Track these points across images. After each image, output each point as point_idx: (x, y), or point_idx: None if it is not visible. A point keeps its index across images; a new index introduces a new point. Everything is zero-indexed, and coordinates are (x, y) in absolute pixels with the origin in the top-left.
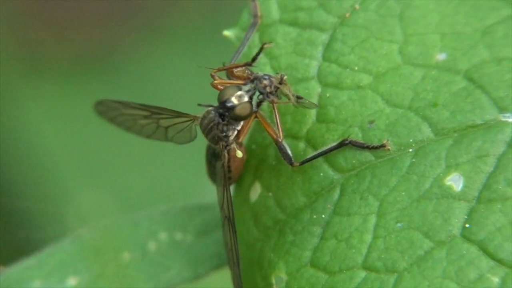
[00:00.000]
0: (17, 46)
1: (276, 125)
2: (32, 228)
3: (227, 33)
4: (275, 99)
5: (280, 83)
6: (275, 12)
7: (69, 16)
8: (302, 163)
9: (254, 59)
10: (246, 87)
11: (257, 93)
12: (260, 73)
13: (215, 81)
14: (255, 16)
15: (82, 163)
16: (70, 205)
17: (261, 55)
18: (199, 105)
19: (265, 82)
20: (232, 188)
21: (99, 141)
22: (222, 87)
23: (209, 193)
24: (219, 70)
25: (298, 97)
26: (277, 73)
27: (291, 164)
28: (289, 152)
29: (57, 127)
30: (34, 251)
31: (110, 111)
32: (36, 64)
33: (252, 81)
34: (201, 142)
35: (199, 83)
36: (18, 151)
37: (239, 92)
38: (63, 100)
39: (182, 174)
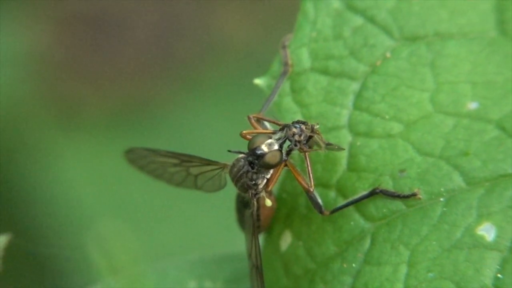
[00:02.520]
0: (54, 99)
1: (307, 175)
2: (60, 275)
3: (258, 81)
4: (305, 148)
5: (312, 132)
6: (306, 61)
7: (105, 70)
8: (333, 212)
9: None
10: (277, 135)
11: (287, 142)
12: (291, 122)
13: (244, 131)
14: (285, 64)
15: (114, 212)
16: (100, 253)
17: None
18: (229, 151)
19: (295, 130)
20: (262, 237)
21: (131, 191)
22: (250, 137)
23: (239, 242)
24: (257, 117)
25: (328, 144)
26: (306, 123)
27: (321, 212)
28: (319, 201)
29: (91, 178)
30: None
31: (140, 159)
32: (73, 117)
33: (282, 129)
34: (232, 190)
35: (233, 135)
36: (53, 201)
37: (269, 140)
38: (99, 152)
39: (212, 222)
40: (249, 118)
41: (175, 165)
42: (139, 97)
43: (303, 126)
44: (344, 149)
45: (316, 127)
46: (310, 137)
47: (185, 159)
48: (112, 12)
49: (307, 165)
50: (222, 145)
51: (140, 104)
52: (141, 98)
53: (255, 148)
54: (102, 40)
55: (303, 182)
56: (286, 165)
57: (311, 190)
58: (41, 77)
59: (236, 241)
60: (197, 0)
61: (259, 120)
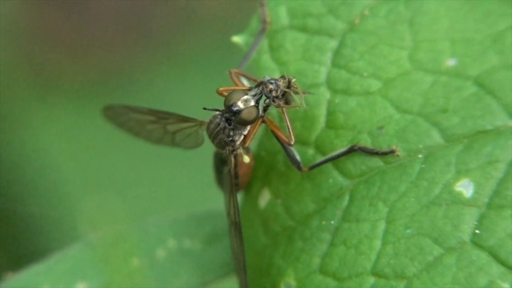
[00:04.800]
0: (31, 67)
1: (287, 130)
2: (41, 234)
3: (236, 39)
4: (281, 104)
5: (288, 87)
6: (284, 18)
7: (83, 38)
8: (311, 168)
9: None
10: (253, 92)
11: (264, 98)
12: (267, 77)
13: (221, 88)
14: (264, 22)
15: (92, 171)
16: (80, 212)
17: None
18: (205, 109)
19: (271, 86)
20: (240, 195)
21: (109, 151)
22: (227, 94)
23: (218, 200)
24: (238, 72)
25: (304, 92)
26: (284, 77)
27: (300, 169)
28: (298, 157)
29: (68, 142)
30: (43, 257)
31: (118, 116)
32: (50, 85)
33: (258, 86)
34: (211, 149)
35: (213, 103)
36: (30, 162)
37: (245, 97)
38: (76, 117)
39: (191, 181)
40: (229, 72)
41: (152, 122)
42: (116, 64)
43: (279, 82)
44: (313, 93)
45: (293, 80)
46: (285, 92)
47: (163, 116)
48: None
49: (285, 119)
50: (201, 113)
51: (118, 71)
52: (119, 66)
53: (231, 105)
54: (78, 7)
55: (283, 136)
56: (263, 121)
57: (292, 143)
58: (17, 45)
59: (216, 199)
60: None
61: (238, 76)
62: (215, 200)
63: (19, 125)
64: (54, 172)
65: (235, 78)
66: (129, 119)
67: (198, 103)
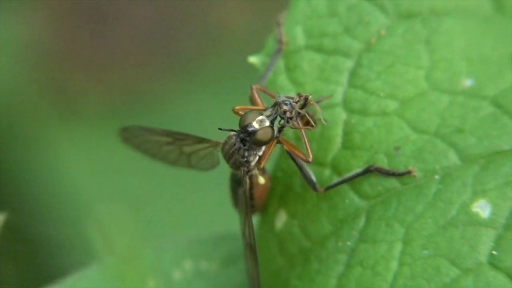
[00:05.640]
0: (53, 89)
1: (304, 147)
2: (57, 254)
3: (252, 59)
4: (296, 124)
5: (302, 107)
6: (300, 38)
7: (104, 59)
8: (327, 189)
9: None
10: (268, 112)
11: (279, 118)
12: (282, 97)
13: (237, 107)
14: (280, 42)
15: (111, 192)
16: (98, 231)
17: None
18: (220, 129)
19: (285, 107)
20: (257, 216)
21: (128, 172)
22: (243, 113)
23: (236, 221)
24: (261, 88)
25: (317, 101)
26: (300, 95)
27: (315, 189)
28: (313, 178)
29: (88, 162)
30: (59, 278)
31: (135, 138)
32: (72, 107)
33: (273, 106)
34: (228, 169)
35: (230, 124)
36: (50, 182)
37: (260, 117)
38: (97, 138)
39: (210, 201)
40: (251, 88)
41: (168, 143)
42: (138, 86)
43: (294, 102)
44: (331, 95)
45: (310, 97)
46: (299, 113)
47: (179, 138)
48: (112, 2)
49: (303, 137)
50: (222, 134)
51: (139, 94)
52: (140, 88)
53: (247, 125)
54: (100, 30)
55: (300, 154)
56: (278, 141)
57: (310, 160)
58: (40, 67)
59: (233, 220)
60: None
61: (259, 92)
62: (233, 221)
63: (41, 146)
64: (73, 192)
65: (255, 94)
66: (146, 141)
67: (218, 123)
